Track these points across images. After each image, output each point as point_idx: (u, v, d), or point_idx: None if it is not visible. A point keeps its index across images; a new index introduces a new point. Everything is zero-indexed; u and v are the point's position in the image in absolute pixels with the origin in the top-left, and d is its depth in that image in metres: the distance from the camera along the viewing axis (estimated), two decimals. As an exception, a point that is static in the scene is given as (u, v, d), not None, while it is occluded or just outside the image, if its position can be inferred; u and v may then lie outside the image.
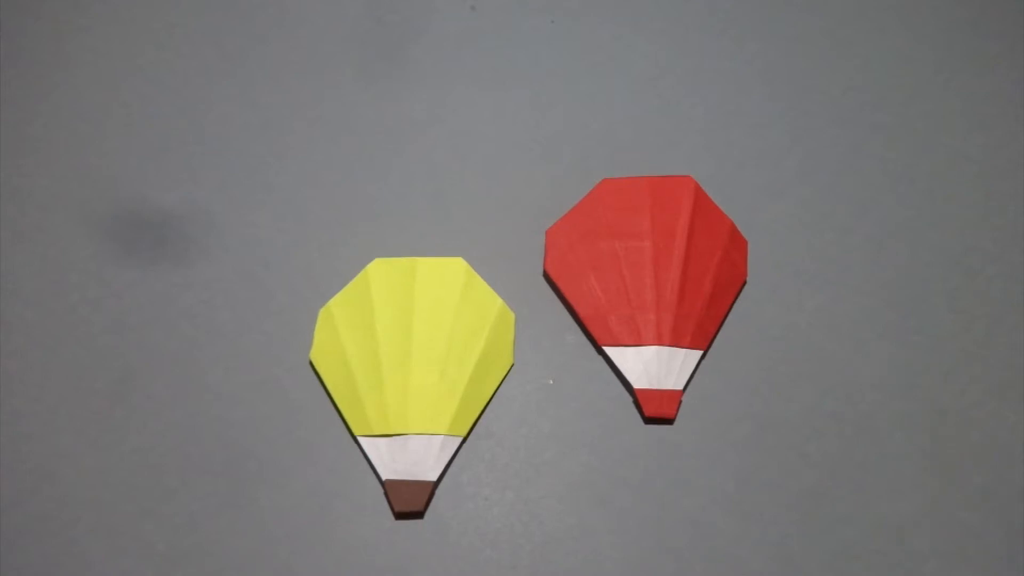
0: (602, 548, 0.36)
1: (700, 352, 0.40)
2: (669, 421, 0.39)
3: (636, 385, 0.39)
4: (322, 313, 0.42)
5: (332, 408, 0.40)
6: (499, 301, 0.42)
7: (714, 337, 0.41)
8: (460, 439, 0.38)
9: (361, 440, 0.38)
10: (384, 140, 0.48)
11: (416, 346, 0.40)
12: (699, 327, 0.40)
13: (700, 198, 0.44)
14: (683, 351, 0.40)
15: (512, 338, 0.41)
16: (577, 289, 0.42)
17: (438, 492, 0.38)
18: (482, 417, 0.40)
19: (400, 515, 0.37)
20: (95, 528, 0.37)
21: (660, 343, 0.40)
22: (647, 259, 0.42)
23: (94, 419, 0.39)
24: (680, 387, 0.39)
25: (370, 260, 0.43)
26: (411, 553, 0.36)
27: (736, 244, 0.43)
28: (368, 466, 0.38)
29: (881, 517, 0.37)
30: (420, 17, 0.52)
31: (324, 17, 0.52)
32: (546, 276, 0.43)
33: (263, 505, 0.37)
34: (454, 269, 0.42)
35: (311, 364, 0.41)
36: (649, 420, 0.39)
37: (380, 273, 0.42)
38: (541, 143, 0.48)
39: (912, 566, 0.36)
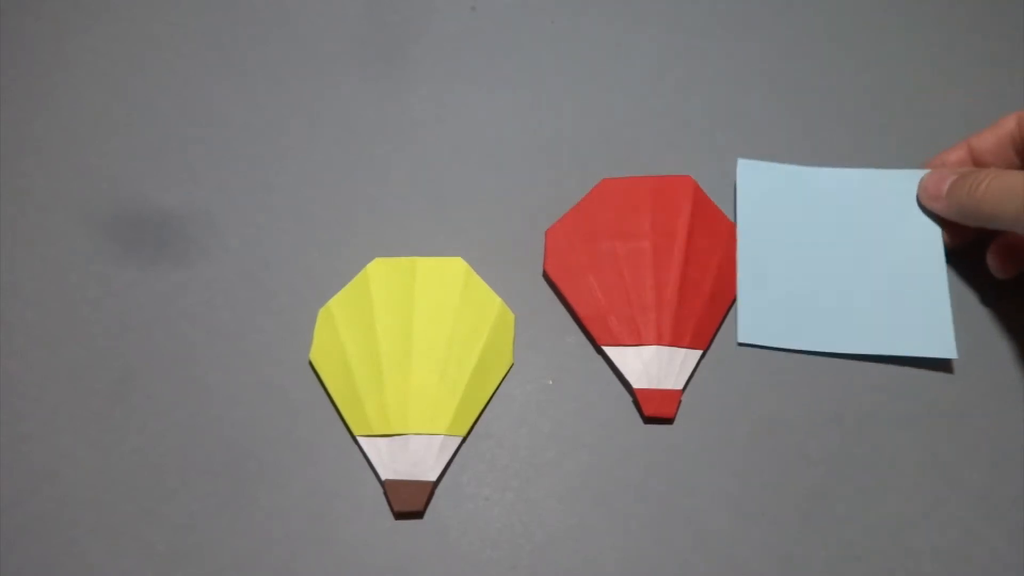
0: (602, 548, 0.36)
1: (700, 352, 0.40)
2: (669, 421, 0.39)
3: (636, 385, 0.39)
4: (322, 313, 0.42)
5: (332, 408, 0.40)
6: (499, 301, 0.42)
7: (714, 337, 0.41)
8: (460, 439, 0.38)
9: (361, 440, 0.38)
10: (384, 140, 0.48)
11: (416, 346, 0.40)
12: (699, 327, 0.40)
13: (700, 198, 0.44)
14: (683, 351, 0.40)
15: (512, 338, 0.41)
16: (577, 289, 0.42)
17: (438, 492, 0.38)
18: (482, 417, 0.40)
19: (400, 515, 0.37)
20: (95, 528, 0.37)
21: (660, 343, 0.40)
22: (647, 259, 0.42)
23: (94, 419, 0.40)
24: (680, 387, 0.39)
25: (370, 260, 0.43)
26: (411, 553, 0.36)
27: (736, 244, 0.43)
28: (368, 466, 0.38)
29: (881, 517, 0.37)
30: (420, 17, 0.52)
31: (324, 17, 0.52)
32: (546, 276, 0.43)
33: (263, 505, 0.37)
34: (454, 269, 0.42)
35: (311, 364, 0.41)
36: (649, 420, 0.39)
37: (380, 273, 0.42)
38: (541, 143, 0.48)
39: (912, 566, 0.36)
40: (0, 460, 0.39)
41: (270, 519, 0.37)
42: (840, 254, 0.41)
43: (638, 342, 0.40)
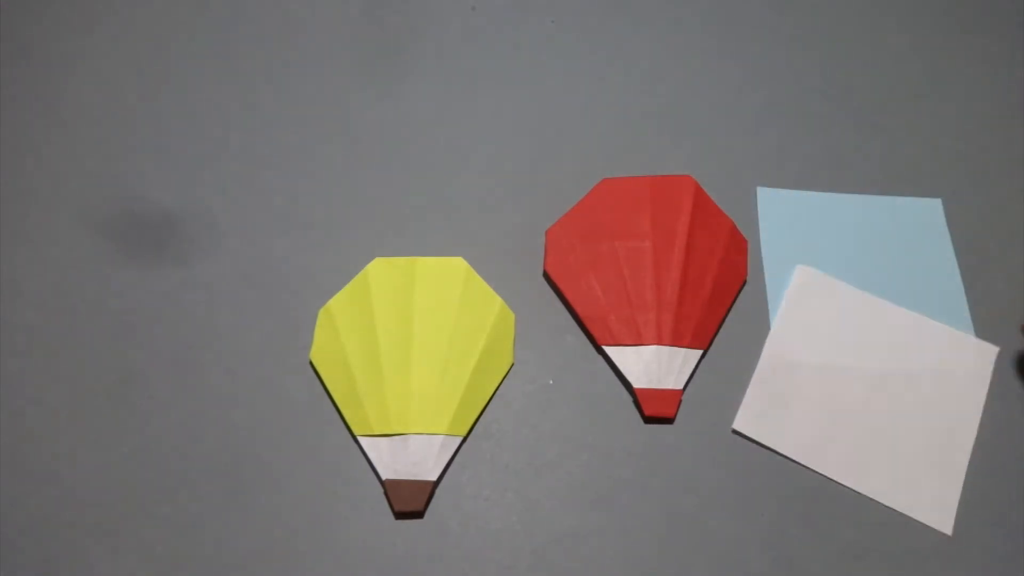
0: (602, 548, 0.36)
1: (700, 352, 0.40)
2: (669, 420, 0.39)
3: (636, 385, 0.39)
4: (322, 313, 0.42)
5: (332, 408, 0.40)
6: (499, 301, 0.42)
7: (714, 337, 0.41)
8: (460, 439, 0.38)
9: (361, 440, 0.38)
10: (384, 140, 0.48)
11: (416, 346, 0.40)
12: (699, 327, 0.40)
13: (700, 198, 0.44)
14: (683, 351, 0.40)
15: (512, 338, 0.41)
16: (577, 289, 0.42)
17: (438, 492, 0.38)
18: (482, 417, 0.40)
19: (400, 515, 0.37)
20: (95, 528, 0.37)
21: (660, 343, 0.40)
22: (647, 259, 0.42)
23: (94, 419, 0.39)
24: (680, 387, 0.39)
25: (370, 260, 0.43)
26: (411, 553, 0.36)
27: (736, 244, 0.43)
28: (368, 466, 0.38)
29: (881, 517, 0.37)
30: (420, 17, 0.52)
31: (324, 17, 0.52)
32: (546, 276, 0.43)
33: (263, 505, 0.37)
34: (454, 269, 0.42)
35: (311, 364, 0.41)
36: (649, 420, 0.39)
37: (380, 273, 0.42)
38: (541, 143, 0.48)
39: (912, 566, 0.36)
40: (0, 460, 0.39)
41: (270, 519, 0.37)
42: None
43: (638, 342, 0.40)
